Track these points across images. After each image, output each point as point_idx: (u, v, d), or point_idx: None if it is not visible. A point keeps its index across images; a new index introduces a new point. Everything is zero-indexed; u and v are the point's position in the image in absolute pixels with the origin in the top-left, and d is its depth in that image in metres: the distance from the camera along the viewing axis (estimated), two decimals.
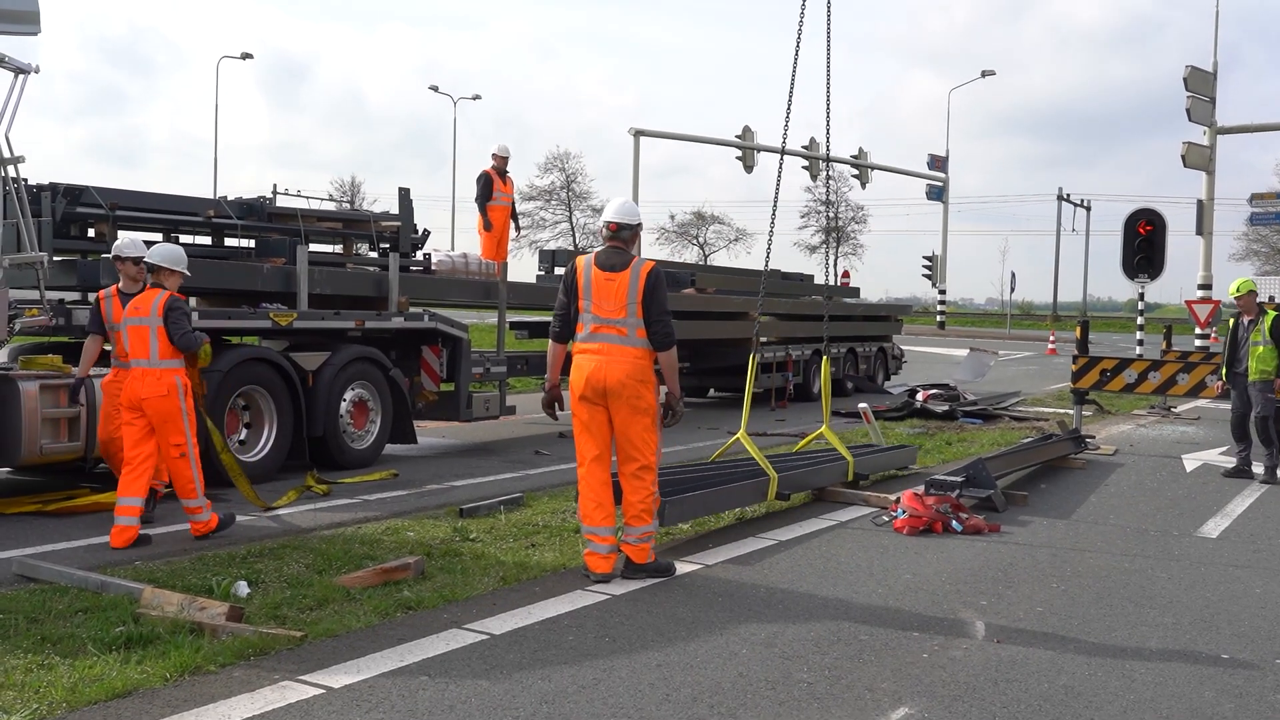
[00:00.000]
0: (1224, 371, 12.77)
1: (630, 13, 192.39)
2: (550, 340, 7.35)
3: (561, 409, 7.44)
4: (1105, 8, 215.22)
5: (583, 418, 7.09)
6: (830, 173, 24.09)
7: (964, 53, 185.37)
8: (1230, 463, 12.56)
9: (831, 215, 75.26)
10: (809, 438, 11.10)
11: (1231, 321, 12.68)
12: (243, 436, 10.44)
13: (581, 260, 7.21)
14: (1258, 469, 12.11)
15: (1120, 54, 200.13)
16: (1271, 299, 15.00)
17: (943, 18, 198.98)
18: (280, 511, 9.09)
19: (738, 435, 9.93)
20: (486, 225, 16.79)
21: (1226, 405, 19.15)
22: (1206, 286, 26.52)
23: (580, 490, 7.18)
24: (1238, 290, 12.64)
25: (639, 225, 7.41)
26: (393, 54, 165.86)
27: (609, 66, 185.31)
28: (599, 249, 7.29)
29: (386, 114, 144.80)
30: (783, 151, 11.57)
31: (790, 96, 10.71)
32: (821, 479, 10.04)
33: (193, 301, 11.79)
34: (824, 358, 11.02)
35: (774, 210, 10.99)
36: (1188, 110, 25.07)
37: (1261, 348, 12.19)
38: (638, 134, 38.45)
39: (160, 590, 6.06)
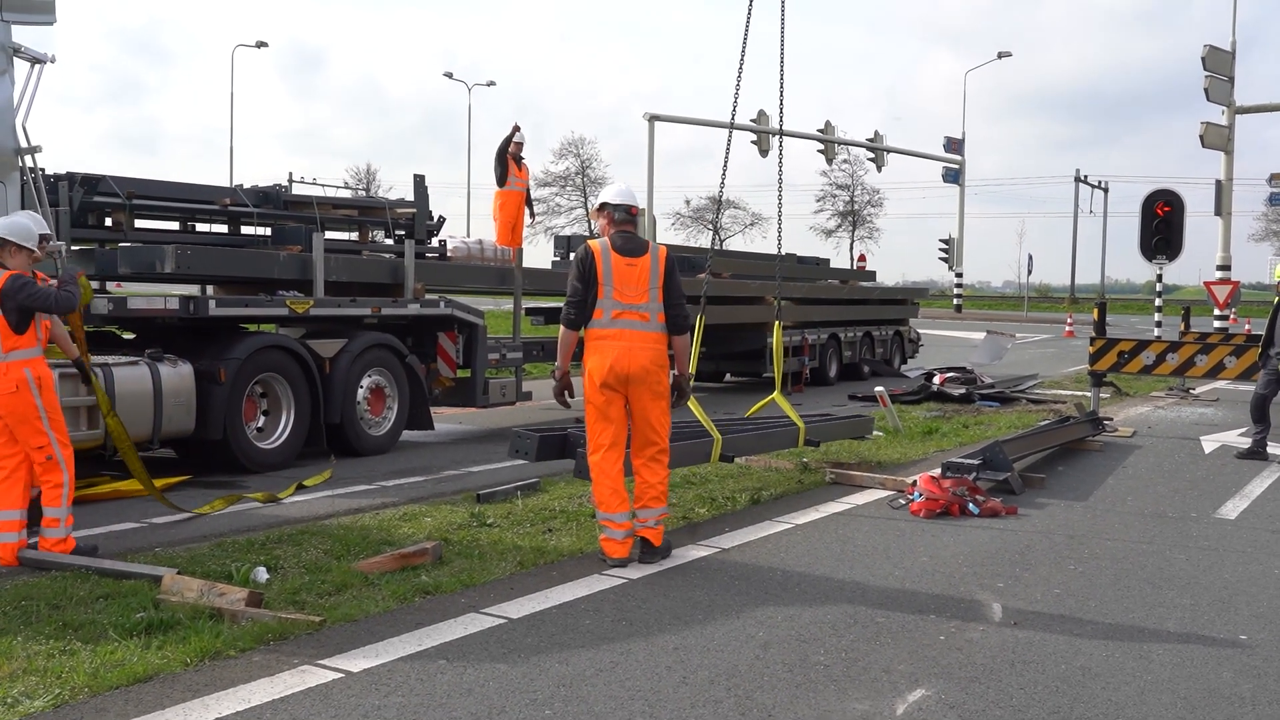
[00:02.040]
0: (1260, 351, 12.66)
1: None
2: (564, 327, 7.18)
3: (572, 396, 7.37)
4: None
5: (599, 404, 7.04)
6: (848, 156, 24.16)
7: (985, 32, 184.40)
8: (1246, 443, 12.48)
9: (846, 199, 75.08)
10: (760, 404, 11.10)
11: (1277, 300, 12.55)
12: (260, 424, 10.49)
13: (596, 245, 7.11)
14: (1274, 449, 12.06)
15: (1142, 32, 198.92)
16: None
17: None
18: (297, 498, 9.13)
19: (773, 396, 10.35)
20: (500, 180, 16.66)
21: (1246, 386, 19.10)
22: (1225, 268, 26.36)
23: (596, 477, 7.12)
24: (1278, 274, 12.88)
25: (636, 208, 7.41)
26: (410, 40, 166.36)
27: (627, 51, 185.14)
28: (611, 234, 7.20)
29: (404, 100, 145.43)
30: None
31: (739, 76, 10.52)
32: (770, 444, 10.08)
33: (211, 290, 11.86)
34: (776, 322, 10.94)
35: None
36: (1206, 90, 24.88)
37: None
38: (652, 119, 38.39)
39: (180, 576, 6.09)
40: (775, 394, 10.50)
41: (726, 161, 10.59)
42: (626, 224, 7.22)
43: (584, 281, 7.04)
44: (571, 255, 16.50)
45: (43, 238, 7.22)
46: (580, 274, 7.06)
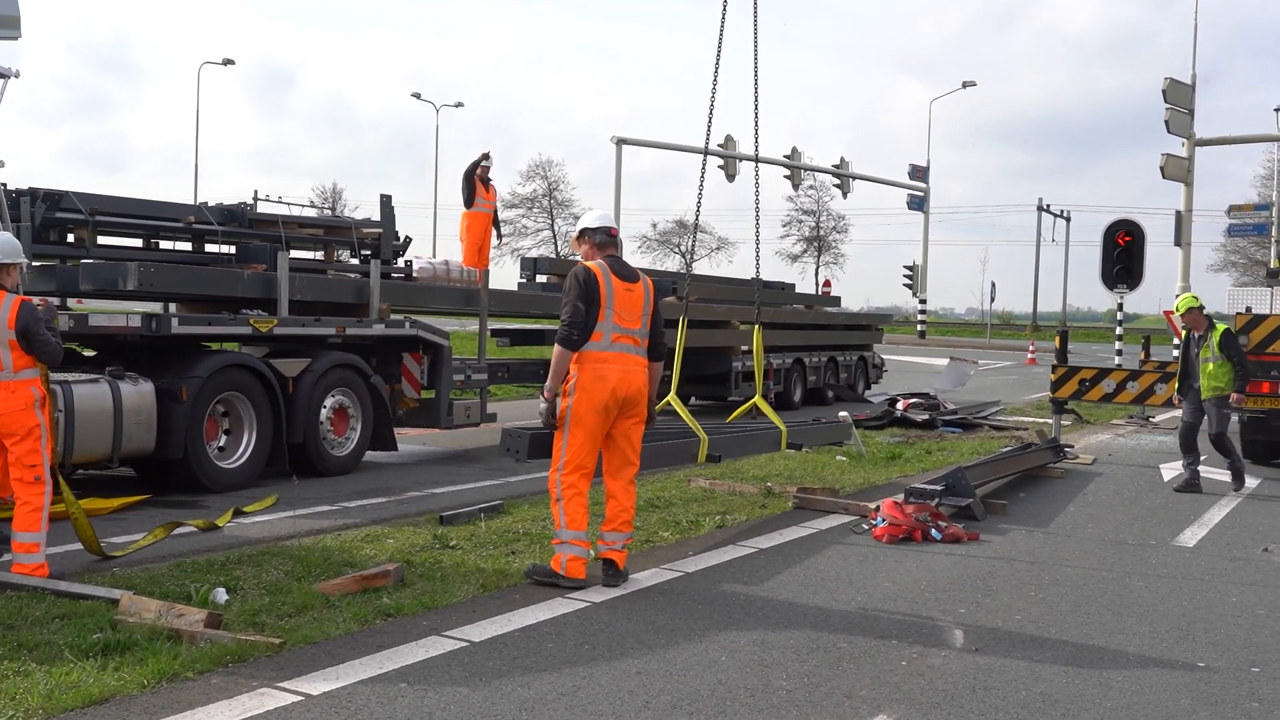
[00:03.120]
0: (1175, 386, 12.74)
1: (617, 21, 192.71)
2: (561, 347, 7.00)
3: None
4: (1095, 17, 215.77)
5: (591, 427, 6.98)
6: (814, 181, 24.34)
7: (953, 62, 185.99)
8: (1209, 473, 12.60)
9: (812, 224, 75.48)
10: (741, 409, 11.17)
11: (1184, 334, 12.61)
12: (222, 443, 10.40)
13: (597, 268, 7.06)
14: (1215, 475, 12.23)
15: (1108, 64, 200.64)
16: (1248, 309, 14.94)
17: (932, 27, 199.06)
18: (258, 518, 9.05)
19: (754, 400, 10.80)
20: (467, 202, 16.69)
21: None
22: None
23: (569, 496, 7.00)
24: (1180, 309, 12.58)
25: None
26: (380, 60, 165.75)
27: (596, 74, 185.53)
28: (605, 258, 7.19)
29: (373, 120, 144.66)
30: (756, 160, 11.56)
31: (712, 101, 10.63)
32: (754, 446, 10.18)
33: (173, 308, 11.77)
34: (756, 326, 11.07)
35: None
36: (1166, 122, 25.21)
37: (1212, 364, 12.08)
38: (620, 142, 38.53)
39: (138, 597, 6.03)
40: (757, 397, 10.57)
41: (701, 189, 10.69)
42: (610, 247, 7.26)
43: (587, 302, 6.96)
44: (539, 277, 16.61)
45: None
46: (584, 295, 6.98)
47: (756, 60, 10.74)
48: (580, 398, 6.96)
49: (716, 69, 10.54)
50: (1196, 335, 12.26)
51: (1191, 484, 12.02)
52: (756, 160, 11.42)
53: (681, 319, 10.58)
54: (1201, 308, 12.47)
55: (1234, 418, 12.87)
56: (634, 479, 7.31)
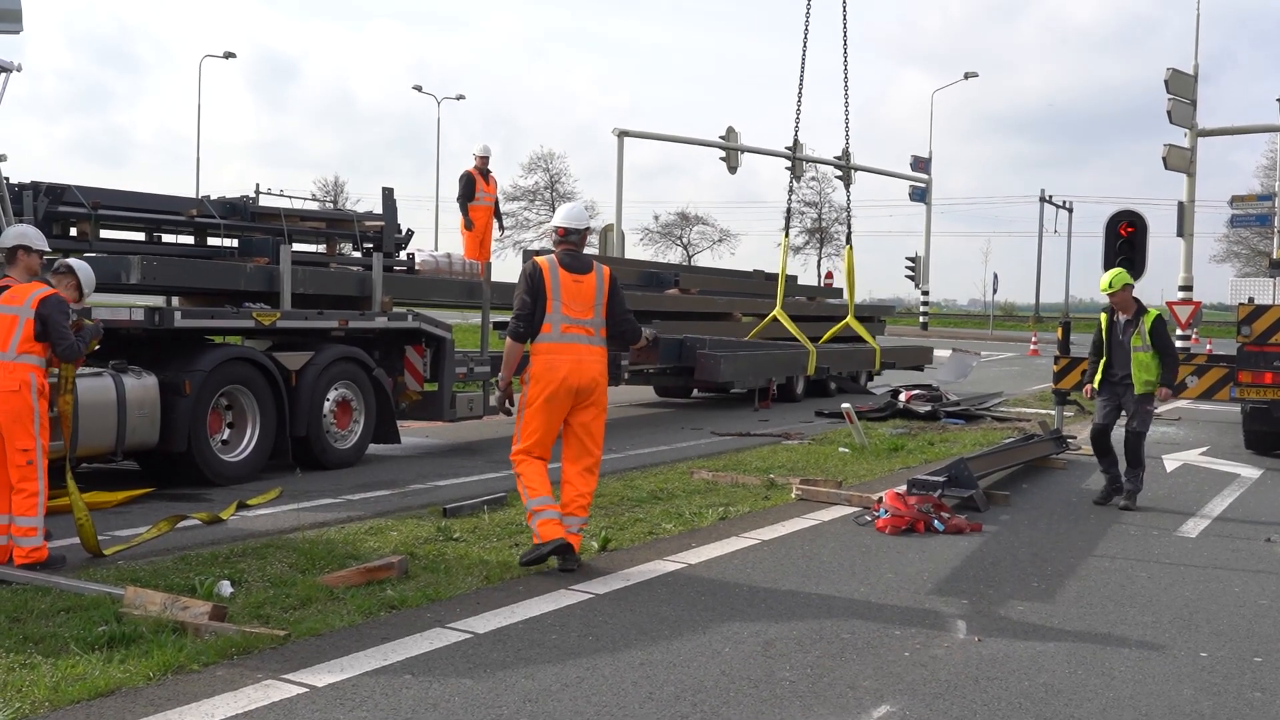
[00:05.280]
0: (1096, 377, 10.75)
1: (620, 12, 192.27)
2: (510, 339, 7.44)
3: (513, 406, 7.65)
4: (1101, 7, 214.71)
5: (544, 417, 7.29)
6: (816, 173, 24.40)
7: (957, 53, 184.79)
8: (1211, 464, 12.55)
9: (814, 216, 75.41)
10: (834, 329, 11.78)
11: (1103, 318, 10.70)
12: (225, 436, 10.41)
13: (544, 262, 7.39)
14: (1217, 465, 12.16)
15: (1114, 54, 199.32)
16: (1251, 300, 14.87)
17: (936, 18, 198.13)
18: (261, 511, 9.07)
19: (846, 320, 11.11)
20: (468, 225, 16.83)
21: (1207, 406, 19.32)
22: (1187, 288, 26.67)
23: (526, 473, 7.31)
24: (1110, 285, 10.55)
25: (588, 229, 7.72)
26: (382, 52, 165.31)
27: (599, 66, 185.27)
28: (556, 252, 7.47)
29: (376, 113, 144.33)
30: (794, 157, 11.71)
31: (799, 102, 10.84)
32: (855, 362, 10.72)
33: (176, 301, 11.79)
34: (848, 247, 11.62)
35: (787, 217, 11.08)
36: (1168, 113, 25.20)
37: (1145, 354, 10.36)
38: (622, 134, 38.45)
39: (143, 590, 6.04)
40: (850, 318, 10.97)
41: (791, 194, 10.66)
42: (566, 243, 7.48)
43: (533, 295, 7.30)
44: None
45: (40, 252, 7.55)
46: (529, 288, 7.32)
47: (846, 66, 10.80)
48: (534, 387, 7.28)
49: (803, 68, 10.70)
50: (1123, 320, 10.49)
51: (1109, 494, 10.54)
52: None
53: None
54: (1131, 286, 10.65)
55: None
56: (593, 467, 7.49)
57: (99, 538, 7.46)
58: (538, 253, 17.93)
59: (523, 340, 7.39)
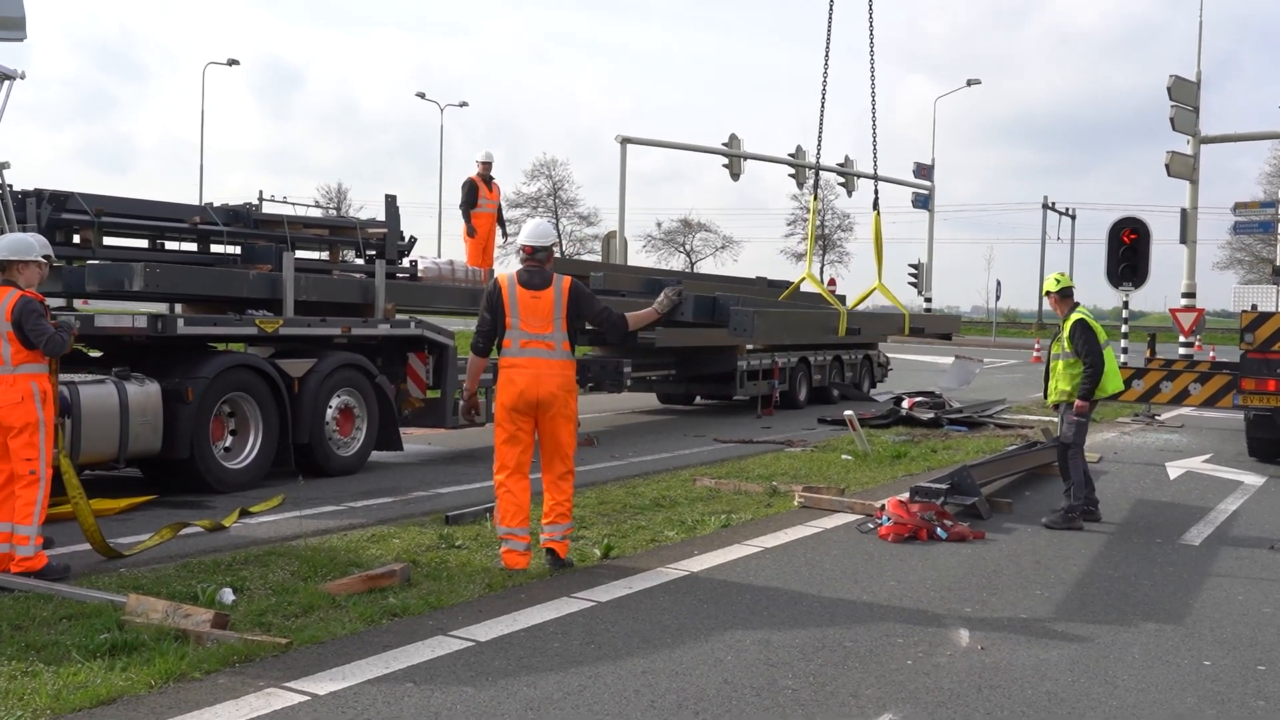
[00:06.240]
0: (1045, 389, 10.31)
1: (623, 18, 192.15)
2: (471, 353, 7.77)
3: (478, 415, 8.04)
4: (1106, 13, 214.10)
5: (509, 429, 7.47)
6: (818, 182, 24.39)
7: (962, 59, 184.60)
8: (1215, 472, 12.48)
9: (817, 223, 75.36)
10: (864, 294, 12.72)
11: (1074, 320, 9.87)
12: (228, 444, 10.41)
13: (504, 278, 7.63)
14: (1222, 473, 12.11)
15: (1118, 60, 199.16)
16: (1254, 307, 14.82)
17: (942, 23, 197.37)
18: (264, 518, 9.07)
19: (804, 275, 11.75)
20: (470, 231, 16.84)
21: (1211, 414, 19.31)
22: (1190, 295, 26.61)
23: (501, 495, 7.49)
24: (1048, 289, 10.07)
25: (553, 245, 7.88)
26: (386, 59, 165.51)
27: (602, 72, 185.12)
28: (519, 269, 7.66)
29: (379, 120, 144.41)
30: (818, 167, 12.00)
31: (821, 116, 11.03)
32: (883, 326, 11.29)
33: (179, 308, 11.80)
34: (875, 214, 12.36)
35: (811, 229, 11.39)
36: (1171, 120, 25.14)
37: (1061, 362, 9.87)
38: (624, 141, 38.46)
39: (145, 597, 6.04)
40: (878, 282, 11.54)
41: (815, 205, 10.71)
42: (531, 260, 7.65)
43: (491, 312, 7.57)
44: None
45: (45, 257, 7.43)
46: (488, 305, 7.61)
47: (874, 77, 11.02)
48: (496, 400, 7.57)
49: (825, 76, 10.76)
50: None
51: (1077, 515, 9.70)
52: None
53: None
54: (1067, 290, 9.99)
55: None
56: (566, 475, 7.60)
57: (109, 542, 7.48)
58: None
59: (483, 354, 7.73)
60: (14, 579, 6.76)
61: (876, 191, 14.44)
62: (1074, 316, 9.83)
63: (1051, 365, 10.02)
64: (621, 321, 7.85)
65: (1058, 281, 10.06)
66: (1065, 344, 9.82)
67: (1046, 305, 13.33)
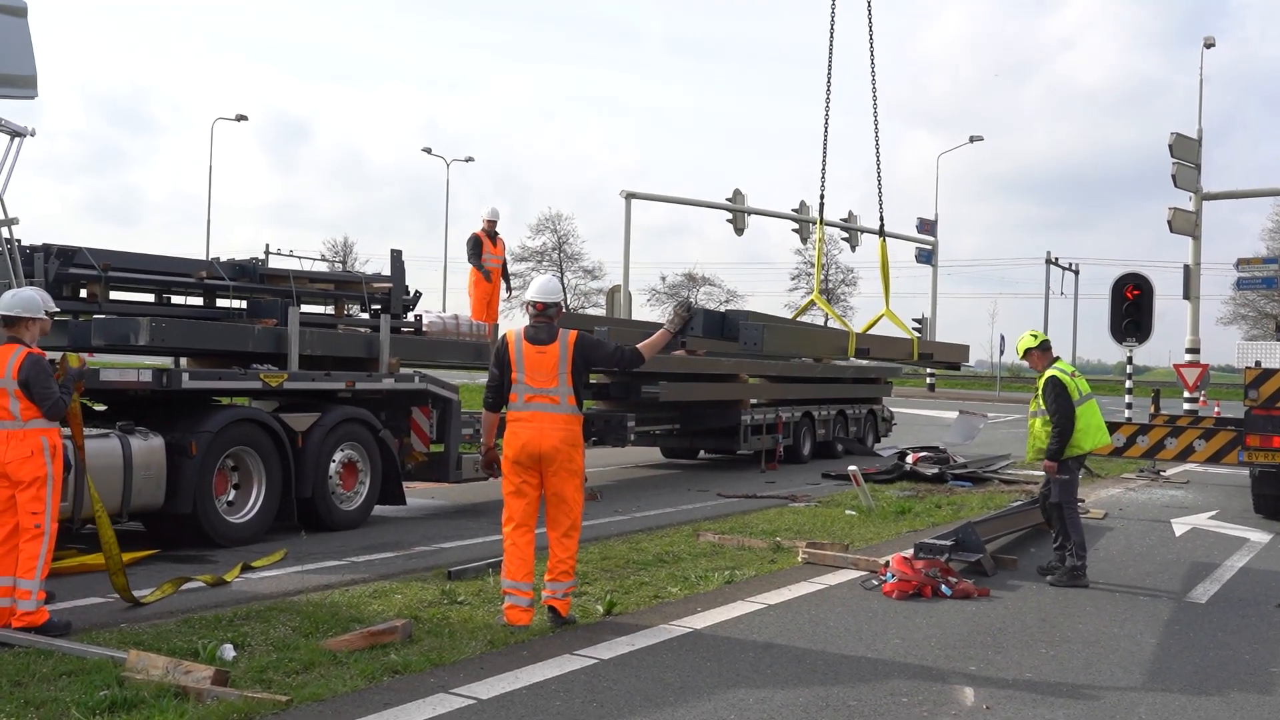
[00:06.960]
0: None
1: (628, 75, 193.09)
2: (485, 409, 7.91)
3: (497, 468, 7.94)
4: (1109, 70, 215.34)
5: (515, 482, 7.56)
6: (813, 234, 24.53)
7: (964, 115, 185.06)
8: (1220, 528, 12.44)
9: (821, 278, 75.59)
10: (873, 320, 12.65)
11: (1047, 383, 9.77)
12: (231, 498, 10.40)
13: (511, 334, 7.74)
14: (1228, 530, 12.06)
15: (1121, 117, 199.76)
16: (1258, 363, 14.80)
17: (945, 80, 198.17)
18: (266, 573, 9.04)
19: (884, 312, 11.95)
20: (486, 276, 16.79)
21: (1216, 469, 19.26)
22: (1194, 350, 26.67)
23: (507, 549, 7.56)
24: (1028, 346, 10.02)
25: (559, 302, 7.98)
26: (393, 114, 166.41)
27: (607, 127, 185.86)
28: (526, 325, 7.75)
29: (386, 174, 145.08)
30: (821, 221, 11.92)
31: (823, 171, 11.10)
32: (893, 350, 11.57)
33: (184, 362, 11.83)
34: (881, 240, 12.30)
35: (817, 279, 11.32)
36: (1173, 176, 25.33)
37: (1038, 420, 9.79)
38: (629, 196, 38.69)
39: (145, 653, 6.02)
40: (885, 310, 11.56)
41: (820, 254, 10.77)
42: (539, 317, 7.74)
43: (500, 367, 7.68)
44: None
45: (48, 312, 7.51)
46: (496, 360, 7.72)
47: (877, 135, 11.00)
48: (503, 454, 7.65)
49: (826, 129, 10.76)
50: None
51: (1056, 568, 9.67)
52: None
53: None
54: (1041, 346, 9.93)
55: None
56: (571, 532, 7.60)
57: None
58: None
59: (494, 409, 7.82)
60: (15, 634, 6.73)
61: (881, 218, 14.46)
62: (1048, 373, 9.73)
63: (1029, 423, 9.97)
64: (636, 356, 7.93)
65: (1035, 337, 10.02)
66: (1039, 402, 9.78)
67: (1018, 360, 12.90)
